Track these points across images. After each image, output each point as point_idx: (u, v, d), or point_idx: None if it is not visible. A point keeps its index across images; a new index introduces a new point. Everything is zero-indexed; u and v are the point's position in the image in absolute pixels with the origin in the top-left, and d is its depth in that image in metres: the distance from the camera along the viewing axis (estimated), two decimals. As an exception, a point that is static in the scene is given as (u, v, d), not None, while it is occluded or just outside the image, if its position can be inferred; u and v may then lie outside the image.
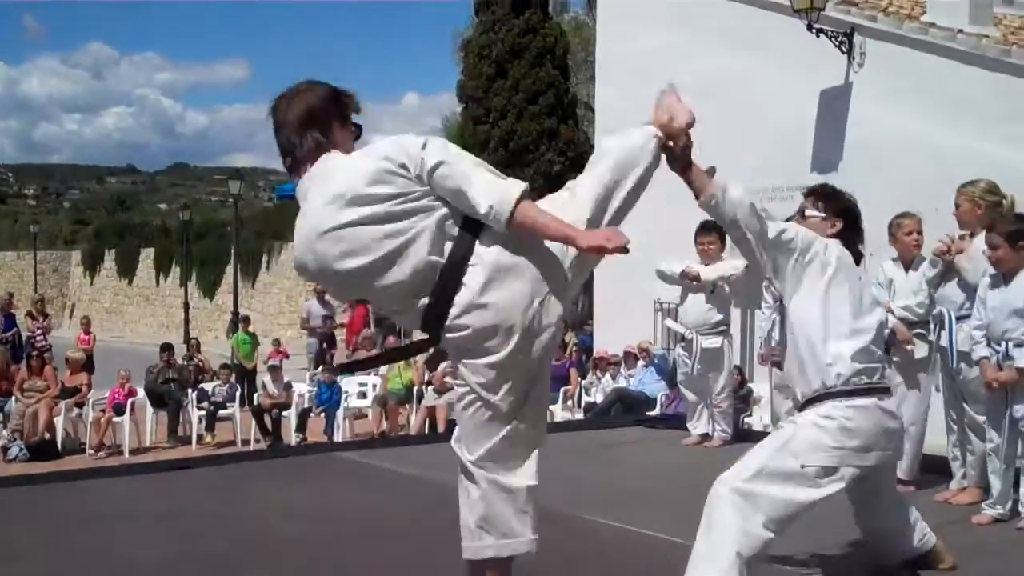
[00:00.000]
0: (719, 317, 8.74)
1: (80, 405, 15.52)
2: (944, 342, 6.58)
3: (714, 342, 8.70)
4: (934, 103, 11.06)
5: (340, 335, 22.21)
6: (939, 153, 10.49)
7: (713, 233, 8.67)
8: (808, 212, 4.90)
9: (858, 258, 4.78)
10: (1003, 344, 5.89)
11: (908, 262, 6.99)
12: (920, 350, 6.91)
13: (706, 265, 8.64)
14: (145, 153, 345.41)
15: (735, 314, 9.75)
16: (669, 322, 10.58)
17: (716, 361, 8.72)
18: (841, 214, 4.86)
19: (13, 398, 15.21)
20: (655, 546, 5.80)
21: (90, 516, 6.69)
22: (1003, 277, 5.95)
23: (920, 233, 6.93)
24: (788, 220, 7.59)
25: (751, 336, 12.47)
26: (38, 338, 20.23)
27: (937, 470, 7.06)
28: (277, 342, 20.56)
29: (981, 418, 6.26)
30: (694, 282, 8.61)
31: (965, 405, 6.53)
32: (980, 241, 6.19)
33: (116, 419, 15.02)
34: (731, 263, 8.66)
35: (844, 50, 12.08)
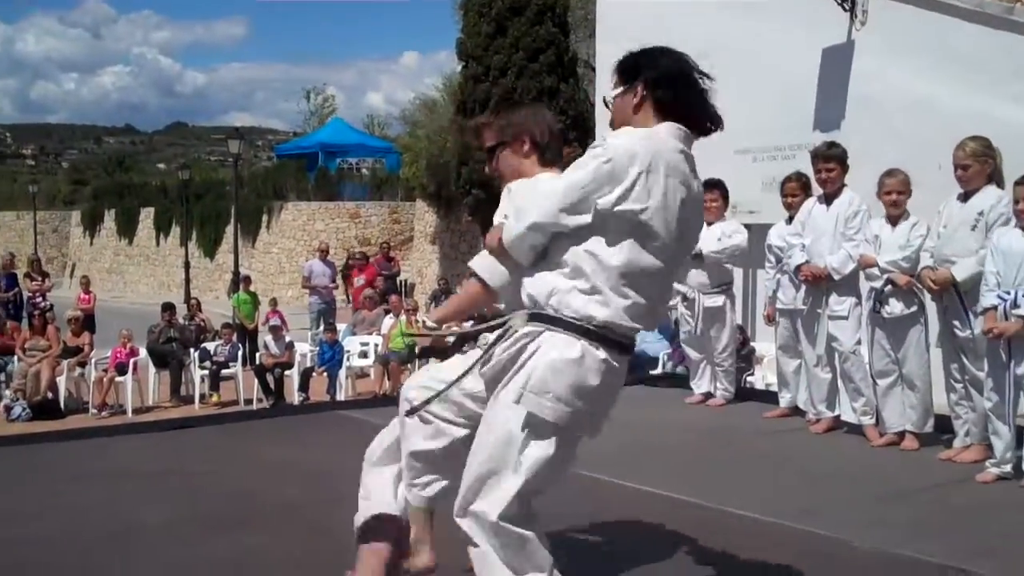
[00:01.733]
0: (721, 276, 8.72)
1: (83, 365, 15.52)
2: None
3: (716, 301, 8.70)
4: (936, 61, 10.97)
5: (339, 296, 22.27)
6: (942, 111, 10.42)
7: (715, 190, 8.64)
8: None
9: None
10: (1013, 292, 5.95)
11: (893, 219, 7.07)
12: (909, 305, 7.00)
13: (709, 224, 8.61)
14: (143, 113, 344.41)
15: (738, 273, 9.75)
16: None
17: (719, 320, 8.73)
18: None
19: (16, 358, 15.22)
20: (656, 503, 5.82)
21: (93, 475, 6.71)
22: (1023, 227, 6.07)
23: (900, 193, 7.04)
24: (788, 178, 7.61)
25: (754, 295, 12.45)
26: (37, 299, 20.23)
27: (940, 428, 7.09)
28: (274, 302, 20.53)
29: (983, 374, 6.29)
30: (695, 259, 8.60)
31: (966, 362, 6.55)
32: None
33: (119, 379, 15.03)
34: (735, 233, 8.63)
35: (847, 8, 11.96)
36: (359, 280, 21.20)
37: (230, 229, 34.24)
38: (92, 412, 14.82)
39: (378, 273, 22.57)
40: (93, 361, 15.50)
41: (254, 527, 5.38)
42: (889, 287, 7.04)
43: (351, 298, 19.30)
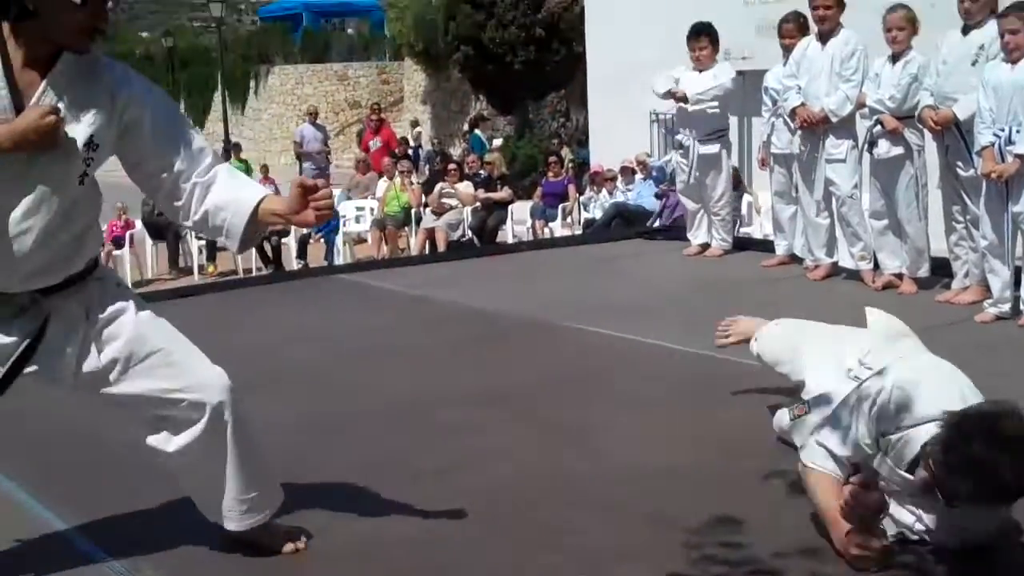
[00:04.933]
0: (716, 123, 8.62)
1: (78, 239, 15.48)
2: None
3: (711, 148, 8.61)
4: None
5: (334, 160, 22.05)
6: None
7: (704, 38, 8.50)
8: None
9: None
10: (1006, 128, 5.91)
11: (895, 56, 6.96)
12: (897, 147, 6.94)
13: (700, 72, 8.50)
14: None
15: (733, 121, 9.66)
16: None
17: (714, 167, 8.65)
18: None
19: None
20: (657, 353, 5.88)
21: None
22: (1012, 61, 5.95)
23: (901, 29, 6.87)
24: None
25: (750, 143, 12.37)
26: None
27: (939, 272, 7.11)
28: (266, 169, 20.36)
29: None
30: (682, 103, 8.50)
31: (968, 202, 6.53)
32: None
33: (116, 252, 15.01)
34: (720, 73, 8.51)
35: None
36: (375, 143, 20.63)
37: (218, 96, 33.81)
38: (92, 286, 14.83)
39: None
40: (89, 235, 15.44)
41: (261, 390, 5.41)
42: (878, 128, 6.97)
43: (371, 163, 18.58)
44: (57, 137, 2.82)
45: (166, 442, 3.18)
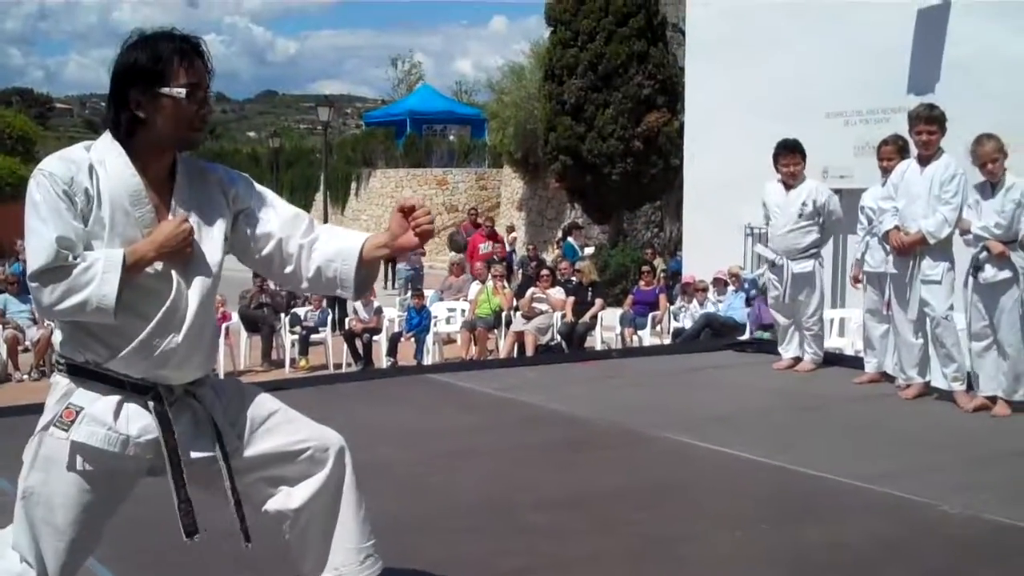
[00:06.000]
0: (810, 240, 8.63)
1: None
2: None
3: (805, 266, 8.60)
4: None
5: (427, 262, 22.29)
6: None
7: (796, 153, 8.55)
8: None
9: None
10: None
11: (992, 185, 7.04)
12: (1004, 271, 6.95)
13: (790, 188, 8.54)
14: (235, 81, 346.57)
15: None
16: (759, 248, 10.49)
17: (808, 284, 8.64)
18: None
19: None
20: (743, 466, 5.83)
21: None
22: None
23: (994, 161, 6.98)
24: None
25: (844, 260, 12.31)
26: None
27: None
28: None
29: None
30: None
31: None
32: None
33: (212, 343, 15.31)
34: (821, 194, 8.54)
35: (942, -33, 11.74)
36: (485, 246, 20.62)
37: (320, 196, 34.62)
38: (187, 375, 15.15)
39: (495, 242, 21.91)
40: (188, 326, 15.77)
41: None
42: (984, 253, 6.97)
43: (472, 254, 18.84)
44: (191, 243, 2.99)
45: (287, 499, 3.25)
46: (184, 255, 2.99)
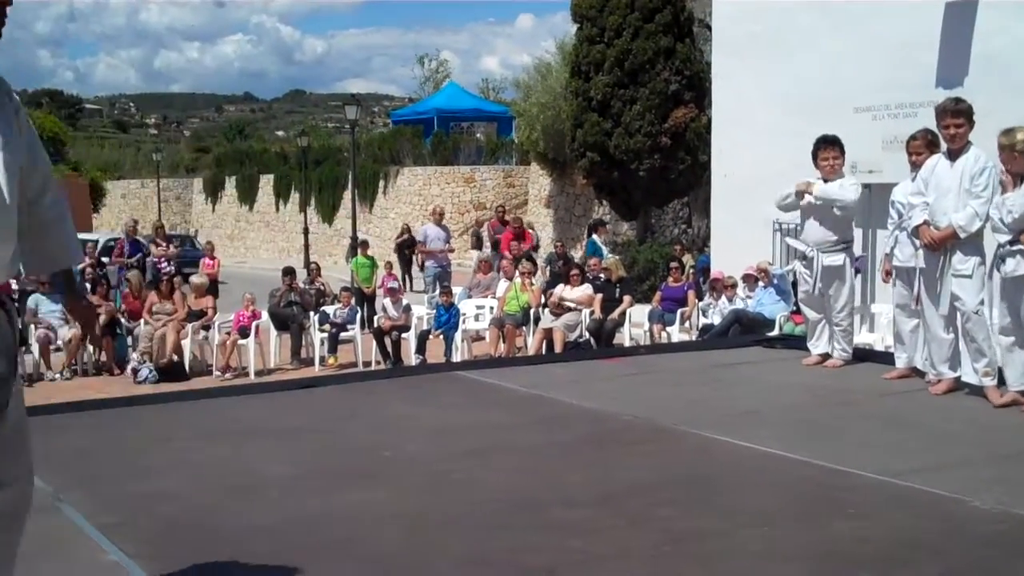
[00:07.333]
0: (841, 234, 8.60)
1: (207, 328, 15.95)
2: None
3: (836, 260, 8.56)
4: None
5: (455, 259, 22.35)
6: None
7: (836, 147, 8.52)
8: None
9: None
10: None
11: (1015, 178, 6.91)
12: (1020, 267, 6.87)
13: (825, 182, 8.51)
14: (263, 81, 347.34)
15: (857, 233, 9.58)
16: (790, 240, 10.45)
17: (838, 278, 8.60)
18: None
19: (143, 321, 15.68)
20: (773, 463, 5.81)
21: (219, 433, 6.91)
22: None
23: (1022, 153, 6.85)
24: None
25: (874, 255, 12.25)
26: (162, 265, 20.74)
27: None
28: (389, 265, 20.93)
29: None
30: (807, 193, 8.48)
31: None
32: None
33: (241, 341, 15.42)
34: (847, 184, 8.50)
35: (971, -40, 11.66)
36: (516, 246, 20.62)
37: (348, 195, 34.72)
38: (216, 374, 15.27)
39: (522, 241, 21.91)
40: (217, 324, 15.91)
41: (376, 481, 5.51)
42: (1007, 246, 6.89)
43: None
44: None
45: None
46: None
